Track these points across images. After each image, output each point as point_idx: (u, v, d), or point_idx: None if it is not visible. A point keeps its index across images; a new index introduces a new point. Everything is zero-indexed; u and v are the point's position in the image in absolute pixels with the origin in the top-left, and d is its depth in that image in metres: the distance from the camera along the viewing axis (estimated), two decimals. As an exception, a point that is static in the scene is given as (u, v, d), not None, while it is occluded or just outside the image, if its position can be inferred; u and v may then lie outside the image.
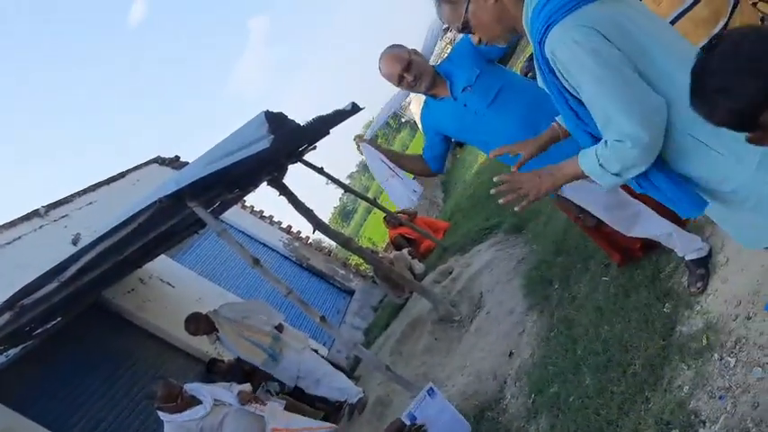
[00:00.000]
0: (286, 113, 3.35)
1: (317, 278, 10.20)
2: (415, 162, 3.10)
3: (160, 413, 4.38)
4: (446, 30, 2.50)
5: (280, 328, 5.70)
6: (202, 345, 6.47)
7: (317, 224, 5.65)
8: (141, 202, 3.92)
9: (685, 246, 2.65)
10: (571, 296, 3.63)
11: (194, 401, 4.40)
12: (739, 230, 1.52)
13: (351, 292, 10.07)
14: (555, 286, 3.93)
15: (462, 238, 6.94)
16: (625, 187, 2.64)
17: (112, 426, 5.67)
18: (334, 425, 4.89)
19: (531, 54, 1.75)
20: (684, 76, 1.28)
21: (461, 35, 2.48)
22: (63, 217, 7.11)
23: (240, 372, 6.02)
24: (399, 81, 2.73)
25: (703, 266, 2.62)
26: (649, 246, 3.04)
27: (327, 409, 5.92)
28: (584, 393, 2.81)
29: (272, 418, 4.48)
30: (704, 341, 2.35)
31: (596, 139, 1.54)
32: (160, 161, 9.66)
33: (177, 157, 9.96)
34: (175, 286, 7.53)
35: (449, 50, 3.35)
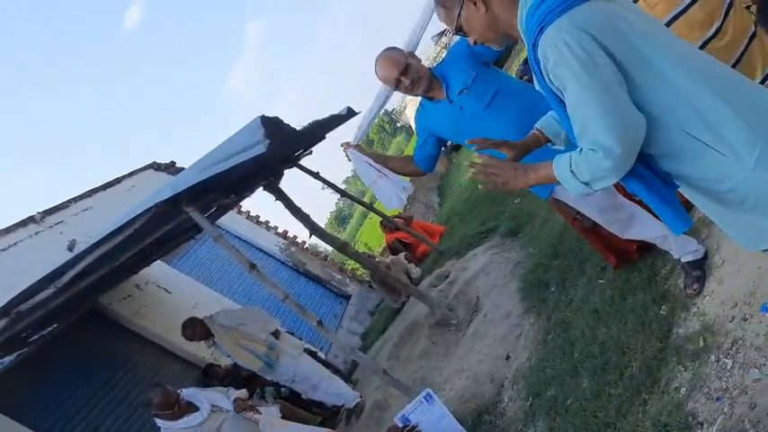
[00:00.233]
0: (282, 117, 3.36)
1: (314, 283, 10.21)
2: (404, 163, 3.10)
3: (157, 420, 4.35)
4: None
5: (276, 334, 5.70)
6: (199, 350, 6.46)
7: (314, 229, 5.65)
8: (137, 207, 3.91)
9: (681, 248, 2.66)
10: (568, 299, 3.63)
11: (192, 408, 4.38)
12: (739, 231, 1.51)
13: (347, 297, 10.07)
14: (551, 289, 3.93)
15: (459, 242, 6.94)
16: (621, 189, 2.66)
17: (109, 433, 5.64)
18: (330, 430, 4.88)
19: (527, 57, 1.76)
20: (681, 75, 1.28)
21: (457, 38, 2.49)
22: (59, 223, 7.10)
23: (237, 376, 6.01)
24: (396, 85, 2.71)
25: (699, 268, 2.63)
26: (645, 248, 3.04)
27: (325, 413, 5.92)
28: (582, 396, 2.81)
29: (268, 426, 4.46)
30: (701, 343, 2.36)
31: None
32: (156, 167, 9.67)
33: (173, 163, 9.98)
34: (172, 292, 7.52)
35: (443, 55, 3.35)
